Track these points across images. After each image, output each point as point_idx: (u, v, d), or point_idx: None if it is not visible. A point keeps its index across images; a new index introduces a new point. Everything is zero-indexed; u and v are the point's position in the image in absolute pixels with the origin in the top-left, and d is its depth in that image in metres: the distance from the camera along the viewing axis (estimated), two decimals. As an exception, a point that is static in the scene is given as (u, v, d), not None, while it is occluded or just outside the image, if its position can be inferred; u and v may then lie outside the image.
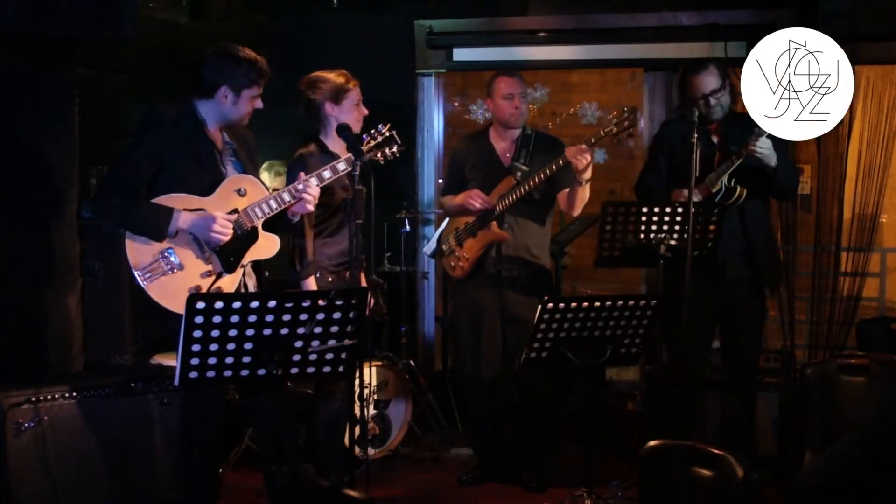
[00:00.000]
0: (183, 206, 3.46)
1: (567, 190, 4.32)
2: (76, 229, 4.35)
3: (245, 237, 3.53)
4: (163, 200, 3.45)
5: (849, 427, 3.18)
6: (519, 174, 4.32)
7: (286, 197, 3.56)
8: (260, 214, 3.54)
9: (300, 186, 3.55)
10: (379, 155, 3.73)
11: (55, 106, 4.27)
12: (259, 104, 3.59)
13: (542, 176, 4.20)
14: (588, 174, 4.15)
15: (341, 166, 3.64)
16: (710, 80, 4.24)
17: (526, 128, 4.46)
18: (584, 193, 4.25)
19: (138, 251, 3.44)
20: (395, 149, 3.75)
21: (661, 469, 3.04)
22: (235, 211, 3.52)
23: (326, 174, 3.62)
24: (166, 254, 3.45)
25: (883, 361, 3.61)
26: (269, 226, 3.62)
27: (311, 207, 3.59)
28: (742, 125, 4.22)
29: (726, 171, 4.17)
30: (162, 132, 3.49)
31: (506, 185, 4.33)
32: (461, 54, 5.66)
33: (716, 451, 2.88)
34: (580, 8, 5.55)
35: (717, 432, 4.51)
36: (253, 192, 3.56)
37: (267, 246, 3.59)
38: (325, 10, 5.51)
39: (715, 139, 4.33)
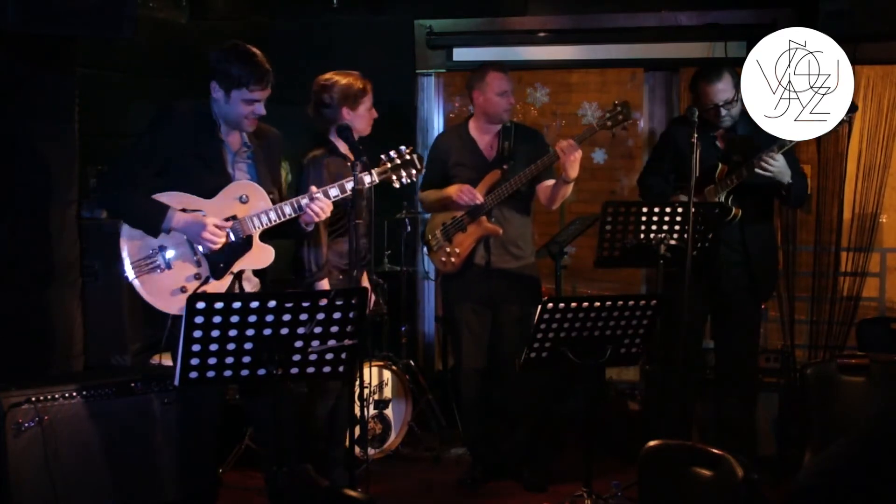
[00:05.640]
0: (182, 206, 3.44)
1: (549, 183, 4.36)
2: (76, 229, 4.35)
3: (239, 245, 3.50)
4: (163, 198, 3.45)
5: (849, 427, 3.18)
6: (505, 167, 4.33)
7: (287, 210, 3.52)
8: (258, 224, 3.51)
9: (304, 201, 3.51)
10: (394, 177, 3.66)
11: (55, 106, 4.27)
12: (259, 110, 3.50)
13: (533, 170, 4.24)
14: (574, 172, 4.17)
15: (349, 185, 3.57)
16: (723, 90, 4.20)
17: (505, 121, 4.48)
18: (567, 191, 4.31)
19: (131, 245, 3.45)
20: (412, 172, 3.69)
21: (661, 469, 3.04)
22: (234, 217, 3.49)
23: (333, 192, 3.56)
24: (158, 251, 3.45)
25: (883, 361, 3.61)
26: (282, 231, 3.60)
27: (317, 219, 3.55)
28: (747, 131, 4.22)
29: (726, 188, 4.18)
30: (170, 129, 3.48)
31: (491, 178, 4.34)
32: (461, 54, 5.66)
33: (716, 451, 2.88)
34: (580, 8, 5.55)
35: (718, 432, 4.51)
36: (255, 200, 3.52)
37: (260, 256, 3.55)
38: (325, 10, 5.51)
39: (720, 144, 4.34)
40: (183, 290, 3.45)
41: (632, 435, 4.76)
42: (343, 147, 3.98)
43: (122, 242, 3.46)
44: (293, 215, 3.53)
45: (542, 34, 5.57)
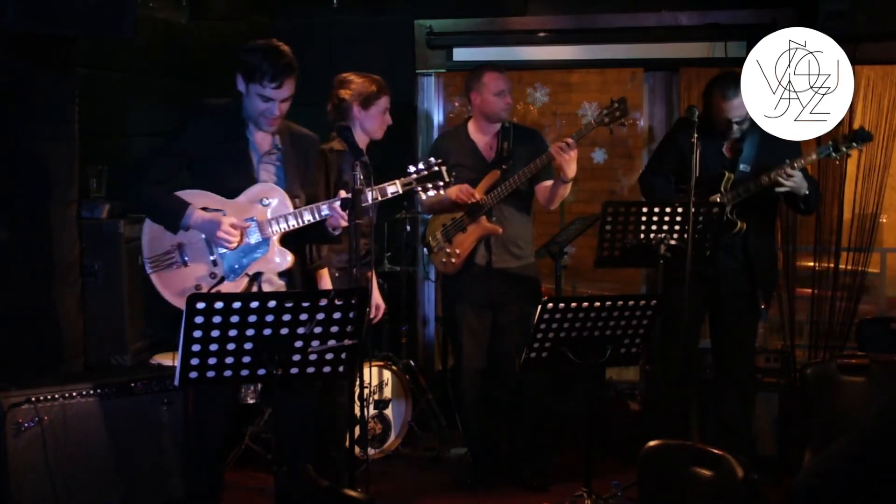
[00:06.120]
0: (204, 205, 3.46)
1: (547, 183, 4.37)
2: (76, 229, 4.35)
3: (255, 247, 3.50)
4: (186, 195, 3.47)
5: (849, 427, 3.18)
6: (504, 167, 4.34)
7: (307, 216, 3.48)
8: (276, 229, 3.49)
9: (324, 208, 3.47)
10: (419, 188, 3.55)
11: (55, 106, 4.27)
12: (273, 110, 3.45)
13: (530, 170, 4.24)
14: (572, 172, 4.18)
15: (371, 196, 3.47)
16: (739, 107, 4.13)
17: (504, 120, 4.49)
18: (565, 191, 4.32)
19: (152, 240, 3.50)
20: (440, 184, 3.57)
21: (661, 469, 3.04)
22: (253, 219, 3.49)
23: (371, 195, 3.47)
24: (178, 248, 3.49)
25: (883, 361, 3.61)
26: (308, 234, 3.58)
27: (344, 224, 3.48)
28: (754, 140, 4.23)
29: (734, 200, 4.19)
30: (196, 127, 3.50)
31: (490, 178, 4.35)
32: (461, 54, 5.66)
33: (716, 451, 2.88)
34: (580, 8, 5.55)
35: (717, 432, 4.51)
36: (276, 204, 3.50)
37: (277, 260, 3.52)
38: (325, 10, 5.51)
39: (727, 154, 4.34)
40: (198, 287, 3.48)
41: (632, 435, 4.76)
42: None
43: (143, 237, 3.51)
44: (311, 221, 3.49)
45: (542, 34, 5.56)
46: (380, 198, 3.51)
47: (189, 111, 3.56)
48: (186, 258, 3.49)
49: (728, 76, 4.23)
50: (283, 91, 3.43)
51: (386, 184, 3.52)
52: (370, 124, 4.07)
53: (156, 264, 3.48)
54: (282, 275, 3.59)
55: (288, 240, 3.57)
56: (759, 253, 4.37)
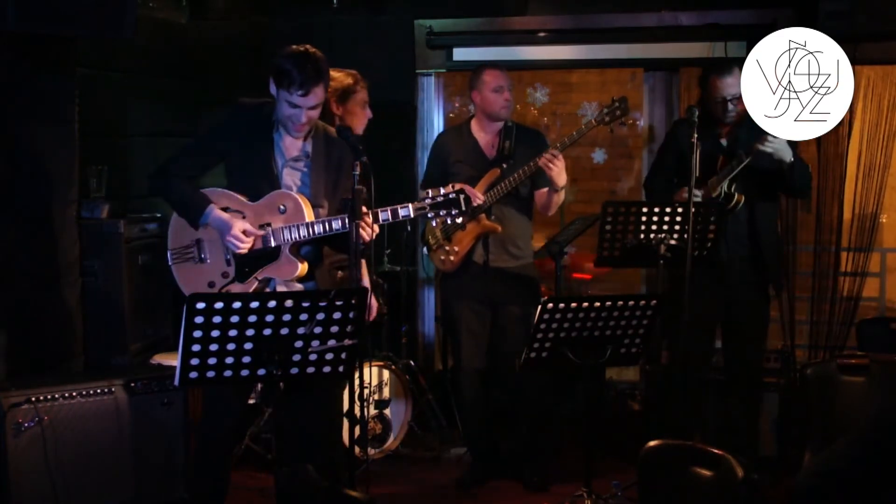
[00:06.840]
0: (226, 204, 3.49)
1: (544, 190, 4.37)
2: (76, 229, 4.36)
3: (267, 253, 3.49)
4: (211, 193, 3.51)
5: (849, 427, 3.19)
6: (505, 166, 4.35)
7: (318, 228, 3.43)
8: (286, 238, 3.46)
9: (336, 224, 3.41)
10: (431, 214, 3.40)
11: (55, 106, 4.27)
12: (300, 116, 3.39)
13: (525, 170, 4.24)
14: (562, 181, 4.18)
15: (402, 212, 3.42)
16: (732, 85, 4.18)
17: (507, 120, 4.49)
18: (559, 198, 4.32)
19: (176, 232, 3.57)
20: (454, 212, 3.36)
21: (661, 469, 3.05)
22: (268, 225, 3.48)
23: (382, 216, 3.41)
24: (196, 243, 3.54)
25: (883, 361, 3.61)
26: (331, 244, 3.56)
27: (364, 240, 3.37)
28: (752, 128, 4.23)
29: (728, 175, 4.19)
30: (225, 127, 3.52)
31: (490, 176, 4.35)
32: (461, 54, 5.66)
33: (716, 451, 2.89)
34: (580, 8, 5.55)
35: (718, 432, 4.51)
36: (292, 213, 3.46)
37: (286, 268, 3.50)
38: (325, 10, 5.51)
39: (724, 142, 4.34)
40: (211, 284, 3.53)
41: (632, 435, 4.77)
42: None
43: (170, 227, 3.61)
44: (322, 234, 3.44)
45: (542, 34, 5.56)
46: (391, 219, 3.43)
47: (227, 111, 3.55)
48: (204, 255, 3.55)
49: (719, 60, 4.32)
50: (309, 99, 3.36)
51: (398, 206, 3.43)
52: (350, 120, 4.00)
53: (177, 256, 3.56)
54: (304, 282, 3.56)
55: (308, 247, 3.56)
56: (765, 237, 4.35)
